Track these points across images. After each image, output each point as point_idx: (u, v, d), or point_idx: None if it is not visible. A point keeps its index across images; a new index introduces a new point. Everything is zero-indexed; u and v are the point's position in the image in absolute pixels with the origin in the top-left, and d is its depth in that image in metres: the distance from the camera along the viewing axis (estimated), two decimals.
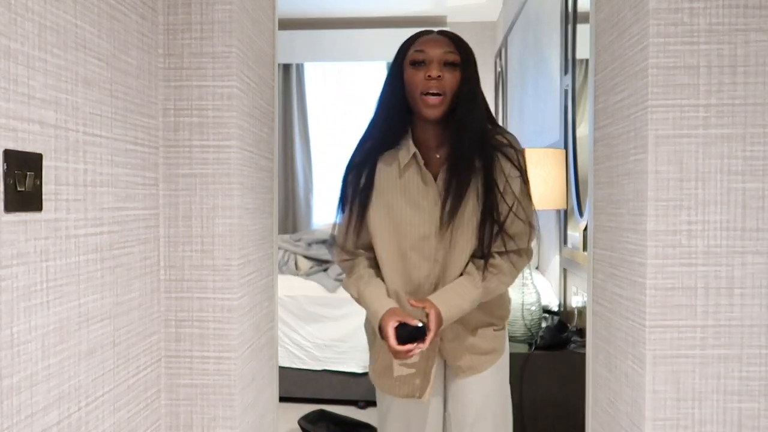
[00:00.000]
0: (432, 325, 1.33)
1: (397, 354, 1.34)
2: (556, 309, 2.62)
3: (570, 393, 2.13)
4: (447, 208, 1.41)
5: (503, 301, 1.56)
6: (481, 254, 1.42)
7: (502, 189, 1.41)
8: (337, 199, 1.52)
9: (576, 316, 2.43)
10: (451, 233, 1.42)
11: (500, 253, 1.44)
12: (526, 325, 2.25)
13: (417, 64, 1.38)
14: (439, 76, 1.35)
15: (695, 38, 1.01)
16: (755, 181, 1.01)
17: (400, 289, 1.46)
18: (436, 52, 1.37)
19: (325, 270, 3.25)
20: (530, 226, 1.45)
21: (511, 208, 1.41)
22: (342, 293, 3.01)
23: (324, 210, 4.98)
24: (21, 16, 0.81)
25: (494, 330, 1.53)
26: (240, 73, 1.25)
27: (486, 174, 1.40)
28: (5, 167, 0.78)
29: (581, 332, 2.30)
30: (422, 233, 1.43)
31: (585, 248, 2.28)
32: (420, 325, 1.33)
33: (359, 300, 1.48)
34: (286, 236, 3.63)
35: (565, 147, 2.56)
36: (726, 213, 1.02)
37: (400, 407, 1.53)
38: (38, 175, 0.84)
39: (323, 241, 3.45)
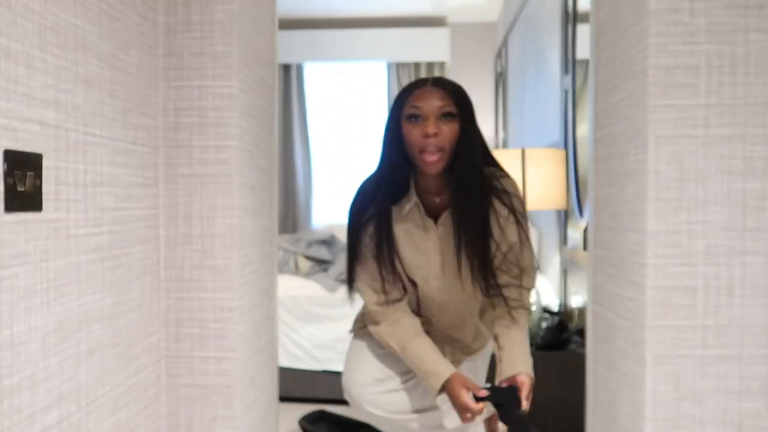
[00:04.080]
0: (525, 390, 1.36)
1: (471, 411, 1.36)
2: (556, 309, 2.62)
3: (570, 393, 2.13)
4: (446, 255, 1.47)
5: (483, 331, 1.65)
6: (485, 293, 1.47)
7: (496, 236, 1.44)
8: (349, 249, 1.51)
9: (576, 316, 2.43)
10: (453, 276, 1.48)
11: (508, 292, 1.48)
12: None
13: (413, 118, 1.37)
14: (436, 134, 1.34)
15: (695, 38, 1.01)
16: (755, 181, 1.01)
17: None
18: (431, 106, 1.36)
19: (325, 270, 3.25)
20: (520, 269, 1.48)
21: (506, 254, 1.46)
22: (342, 293, 3.01)
23: (324, 210, 4.98)
24: (21, 16, 0.81)
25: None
26: (240, 73, 1.25)
27: (482, 221, 1.42)
28: (5, 167, 0.78)
29: (581, 332, 2.30)
30: (423, 274, 1.50)
31: (585, 248, 2.28)
32: (505, 386, 1.37)
33: (402, 352, 1.48)
34: (286, 236, 3.63)
35: (565, 147, 2.56)
36: (726, 213, 1.02)
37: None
38: (38, 175, 0.84)
39: (323, 241, 3.45)
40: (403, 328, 1.48)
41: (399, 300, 1.52)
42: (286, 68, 4.92)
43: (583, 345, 2.18)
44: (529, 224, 1.52)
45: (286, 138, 4.96)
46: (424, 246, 1.48)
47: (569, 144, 2.50)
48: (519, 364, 1.39)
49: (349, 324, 2.99)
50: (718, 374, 1.03)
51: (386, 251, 1.45)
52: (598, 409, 1.30)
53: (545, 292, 2.72)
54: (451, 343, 1.63)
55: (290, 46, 4.80)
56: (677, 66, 1.02)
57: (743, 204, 1.02)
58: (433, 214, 1.47)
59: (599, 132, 1.29)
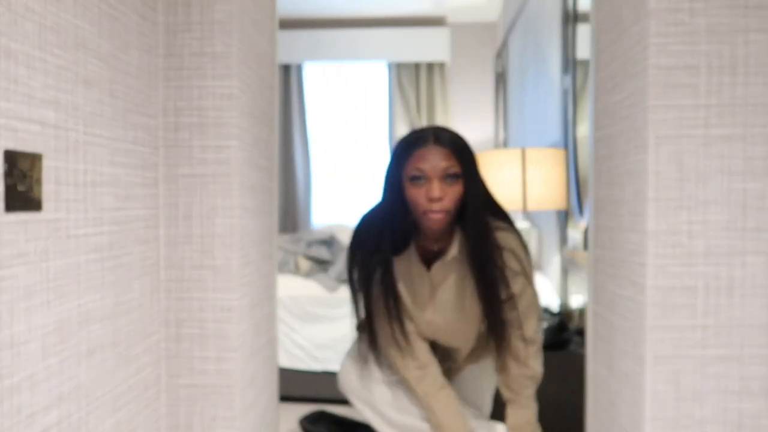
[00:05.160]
0: None
1: None
2: (556, 309, 2.62)
3: (570, 393, 2.13)
4: (439, 304, 1.49)
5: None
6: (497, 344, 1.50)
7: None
8: (362, 305, 1.51)
9: (576, 316, 2.43)
10: (447, 322, 1.51)
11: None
12: None
13: (416, 179, 1.34)
14: (441, 198, 1.32)
15: (695, 38, 1.01)
16: (755, 181, 1.01)
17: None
18: (435, 168, 1.32)
19: (325, 270, 3.25)
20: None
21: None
22: (342, 293, 3.01)
23: (324, 210, 4.98)
24: (21, 16, 0.81)
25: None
26: (240, 73, 1.25)
27: (494, 276, 1.42)
28: (5, 167, 0.78)
29: (581, 332, 2.30)
30: (426, 319, 1.52)
31: (585, 248, 2.28)
32: None
33: (422, 400, 1.52)
34: (286, 236, 3.63)
35: (565, 147, 2.56)
36: (726, 213, 1.02)
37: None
38: (38, 175, 0.84)
39: (323, 241, 3.45)
40: (430, 379, 1.51)
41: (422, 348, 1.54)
42: (286, 68, 4.92)
43: (583, 345, 2.18)
44: (531, 281, 1.49)
45: (286, 138, 4.96)
46: (418, 293, 1.49)
47: (569, 144, 2.50)
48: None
49: (349, 323, 3.01)
50: (718, 374, 1.03)
51: (393, 304, 1.46)
52: (598, 409, 1.30)
53: (545, 292, 2.72)
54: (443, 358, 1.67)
55: (290, 46, 4.80)
56: (677, 66, 1.02)
57: (743, 204, 1.02)
58: (427, 260, 1.48)
59: (599, 132, 1.29)
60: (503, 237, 1.44)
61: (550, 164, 2.31)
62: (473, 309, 1.48)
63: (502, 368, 1.52)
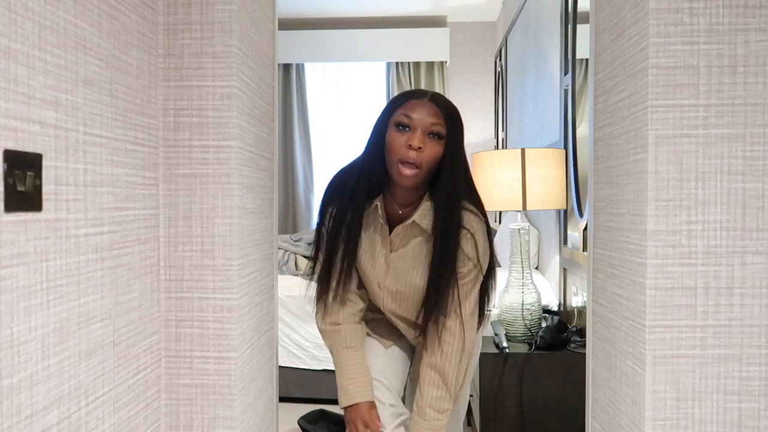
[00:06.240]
0: None
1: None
2: (556, 309, 2.62)
3: (570, 393, 2.13)
4: (394, 267, 1.46)
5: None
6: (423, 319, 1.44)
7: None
8: (323, 244, 1.47)
9: (576, 316, 2.43)
10: (400, 289, 1.47)
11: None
12: (526, 325, 2.25)
13: (401, 126, 1.33)
14: (420, 148, 1.31)
15: (695, 38, 1.01)
16: (755, 181, 1.01)
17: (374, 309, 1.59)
18: (423, 120, 1.31)
19: None
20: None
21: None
22: None
23: None
24: (21, 16, 0.81)
25: None
26: (240, 73, 1.25)
27: (455, 251, 1.39)
28: (5, 167, 0.78)
29: (581, 332, 2.30)
30: (371, 280, 1.50)
31: (585, 248, 2.28)
32: None
33: (331, 352, 1.51)
34: (286, 236, 3.63)
35: (565, 147, 2.56)
36: (726, 213, 1.02)
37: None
38: (38, 175, 0.84)
39: None
40: (340, 336, 1.49)
41: (346, 303, 1.52)
42: (286, 68, 4.92)
43: (583, 345, 2.18)
44: (481, 270, 1.43)
45: (286, 138, 4.96)
46: (376, 252, 1.46)
47: (569, 144, 2.50)
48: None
49: None
50: (718, 374, 1.03)
51: (350, 251, 1.44)
52: (598, 409, 1.30)
53: (545, 292, 2.72)
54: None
55: (290, 46, 4.80)
56: (677, 66, 1.02)
57: (743, 204, 1.02)
58: (390, 224, 1.46)
59: (599, 132, 1.29)
60: (467, 218, 1.40)
61: (550, 164, 2.31)
62: (425, 281, 1.44)
63: (427, 339, 1.44)
